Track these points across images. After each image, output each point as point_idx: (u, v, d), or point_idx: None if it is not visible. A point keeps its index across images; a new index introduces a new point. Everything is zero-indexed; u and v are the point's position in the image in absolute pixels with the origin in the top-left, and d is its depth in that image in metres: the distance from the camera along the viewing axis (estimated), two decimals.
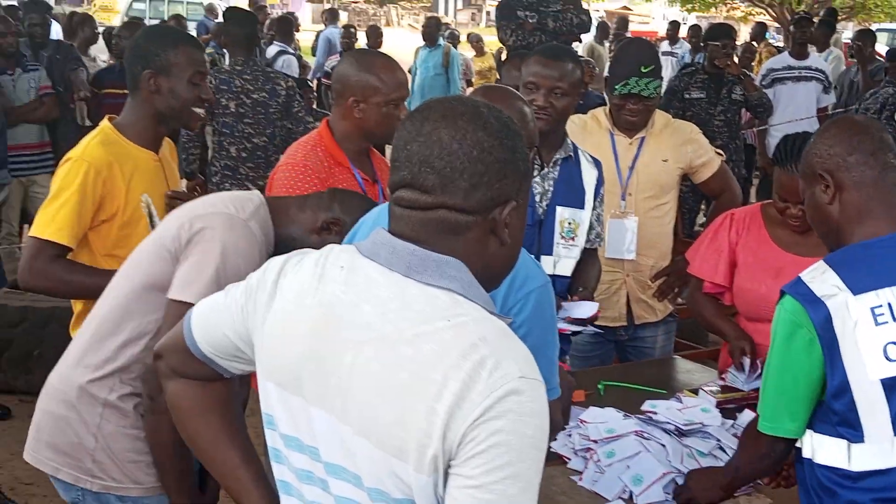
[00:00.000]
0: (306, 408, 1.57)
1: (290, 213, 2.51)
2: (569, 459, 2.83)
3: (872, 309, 2.08)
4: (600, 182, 3.50)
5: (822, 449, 2.18)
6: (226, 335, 1.73)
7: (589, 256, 3.50)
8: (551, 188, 3.40)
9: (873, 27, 21.43)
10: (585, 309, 3.21)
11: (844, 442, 2.13)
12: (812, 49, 9.69)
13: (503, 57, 8.84)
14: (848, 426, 2.11)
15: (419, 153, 1.54)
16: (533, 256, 2.27)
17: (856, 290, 2.09)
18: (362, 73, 3.16)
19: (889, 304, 2.08)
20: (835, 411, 2.12)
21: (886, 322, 2.07)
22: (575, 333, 3.23)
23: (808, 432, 2.22)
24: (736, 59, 7.81)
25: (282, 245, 2.42)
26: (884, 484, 2.10)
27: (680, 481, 2.67)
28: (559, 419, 2.34)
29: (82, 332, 2.56)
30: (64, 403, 2.49)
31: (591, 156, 3.51)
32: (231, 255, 2.32)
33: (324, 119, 3.35)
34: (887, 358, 2.06)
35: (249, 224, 2.39)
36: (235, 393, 1.91)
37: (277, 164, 3.30)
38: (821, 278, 2.14)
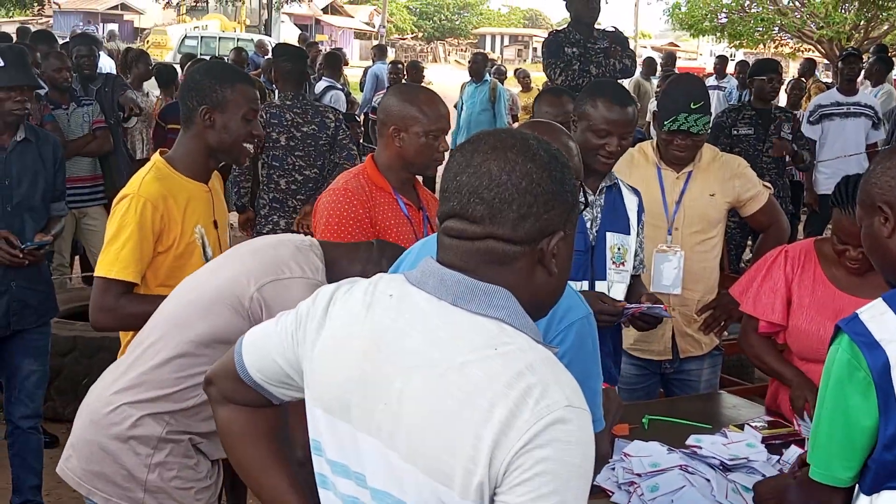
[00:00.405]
0: (354, 433, 1.59)
1: (341, 266, 2.57)
2: (612, 493, 2.81)
3: None
4: (641, 209, 3.53)
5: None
6: (276, 361, 1.76)
7: (636, 282, 3.52)
8: (599, 215, 3.42)
9: None
10: (656, 309, 3.27)
11: (888, 493, 2.05)
12: (864, 85, 9.64)
13: None
14: (893, 477, 2.03)
15: (469, 184, 1.56)
16: (578, 287, 2.27)
17: None
18: (404, 103, 3.25)
19: None
20: (884, 463, 2.03)
21: None
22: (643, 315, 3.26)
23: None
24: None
25: None
26: None
27: None
28: (607, 450, 2.33)
29: (133, 362, 2.60)
30: (114, 436, 2.54)
31: (628, 185, 3.53)
32: None
33: (369, 154, 3.43)
34: None
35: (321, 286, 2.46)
36: (285, 420, 1.94)
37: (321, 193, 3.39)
38: (880, 319, 2.04)
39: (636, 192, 3.54)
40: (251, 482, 1.91)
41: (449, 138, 3.37)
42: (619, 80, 6.58)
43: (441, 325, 1.53)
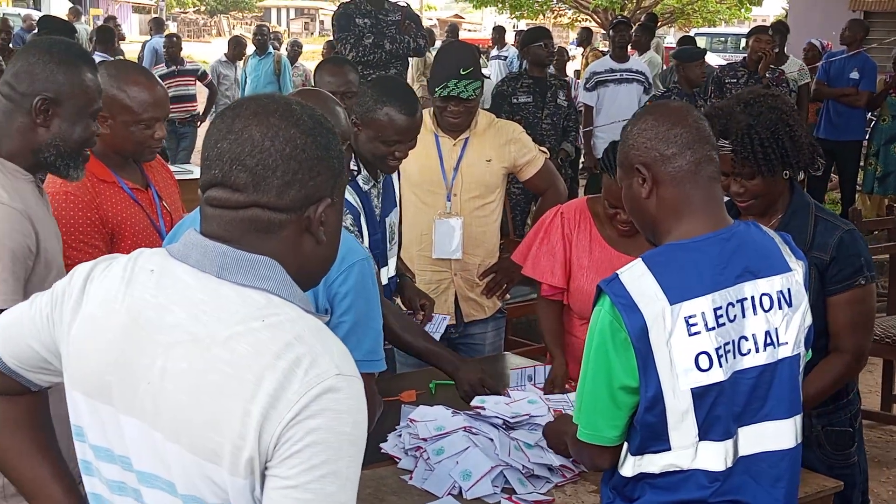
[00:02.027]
0: (116, 416, 1.52)
1: None
2: (399, 459, 2.83)
3: (686, 318, 2.05)
4: (399, 174, 3.56)
5: (627, 463, 2.18)
6: (31, 346, 1.66)
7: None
8: (380, 202, 3.41)
9: (692, 32, 22.38)
10: (443, 325, 3.51)
11: (650, 455, 2.14)
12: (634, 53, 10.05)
13: None
14: (657, 438, 2.11)
15: (230, 151, 1.51)
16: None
17: (672, 299, 2.05)
18: (111, 87, 2.93)
19: (703, 314, 2.06)
20: (647, 425, 2.09)
21: (699, 332, 2.05)
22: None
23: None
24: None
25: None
26: (679, 480, 2.13)
27: (507, 474, 2.71)
28: (374, 391, 2.37)
29: None
30: None
31: None
32: (5, 240, 2.32)
33: None
34: (698, 368, 2.05)
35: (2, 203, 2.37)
36: (45, 406, 1.84)
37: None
38: (639, 281, 2.08)
39: None
40: (10, 474, 1.81)
41: None
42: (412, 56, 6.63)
43: (205, 299, 1.48)
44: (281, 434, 1.38)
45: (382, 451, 2.85)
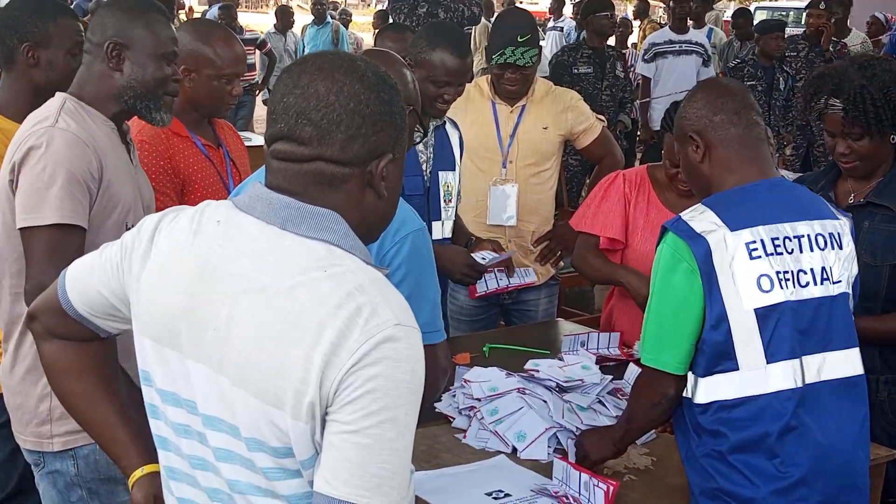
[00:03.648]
0: (183, 361, 1.57)
1: None
2: (453, 419, 2.87)
3: (748, 244, 2.21)
4: (462, 143, 3.62)
5: (699, 388, 2.27)
6: (101, 293, 1.72)
7: (458, 219, 3.65)
8: (432, 155, 3.46)
9: (752, 6, 22.02)
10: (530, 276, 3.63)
11: (720, 376, 2.24)
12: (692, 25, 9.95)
13: None
14: (725, 357, 2.22)
15: (296, 105, 1.54)
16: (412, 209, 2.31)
17: (733, 226, 2.22)
18: (197, 42, 3.08)
19: (762, 241, 2.22)
20: (713, 344, 2.22)
21: (760, 256, 2.21)
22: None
23: (689, 375, 2.30)
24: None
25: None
26: (754, 411, 2.22)
27: (561, 436, 2.74)
28: (446, 364, 2.38)
29: None
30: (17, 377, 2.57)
31: (450, 119, 3.58)
32: (64, 162, 2.41)
33: None
34: (760, 289, 2.21)
35: (66, 130, 2.46)
36: (113, 353, 1.90)
37: None
38: (700, 217, 2.26)
39: (456, 125, 3.61)
40: (79, 417, 1.87)
41: None
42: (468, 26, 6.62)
43: (269, 250, 1.52)
44: (342, 380, 1.42)
45: (437, 410, 2.89)
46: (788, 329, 2.22)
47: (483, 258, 3.41)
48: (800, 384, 2.23)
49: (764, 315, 2.21)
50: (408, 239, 2.23)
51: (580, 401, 2.89)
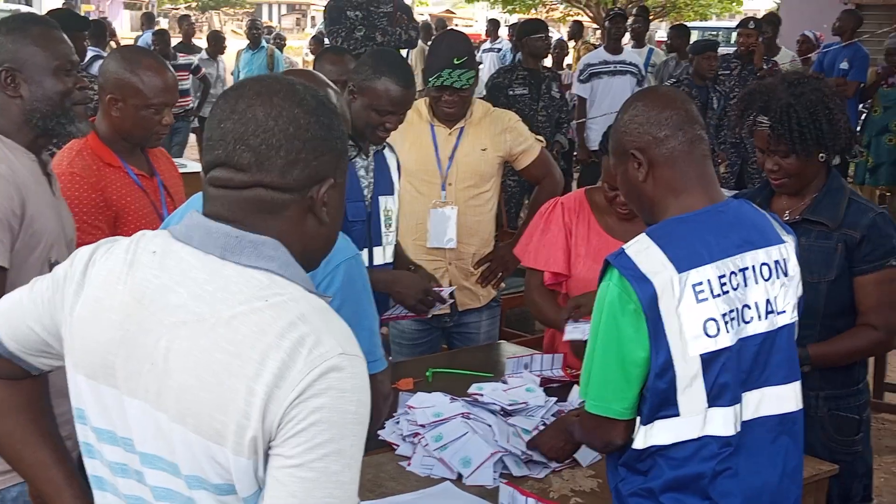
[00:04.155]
0: (120, 397, 1.52)
1: None
2: (397, 446, 2.83)
3: (694, 286, 2.10)
4: (399, 166, 3.63)
5: (638, 434, 2.19)
6: (32, 329, 1.66)
7: (397, 243, 3.64)
8: (373, 180, 3.44)
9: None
10: (447, 290, 3.54)
11: (660, 422, 2.15)
12: (629, 45, 10.07)
13: None
14: (667, 404, 2.13)
15: (234, 131, 1.51)
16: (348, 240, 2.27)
17: (680, 267, 2.10)
18: (123, 71, 3.01)
19: (709, 281, 2.11)
20: (657, 392, 2.12)
21: (706, 299, 2.11)
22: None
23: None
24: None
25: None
26: (691, 451, 2.15)
27: (507, 461, 2.72)
28: (389, 391, 2.34)
29: None
30: None
31: (386, 142, 3.58)
32: None
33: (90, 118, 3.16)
34: (707, 334, 2.10)
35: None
36: (46, 391, 1.84)
37: None
38: (645, 253, 2.12)
39: (392, 149, 3.62)
40: (10, 457, 1.80)
41: None
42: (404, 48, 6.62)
43: (208, 280, 1.48)
44: (285, 413, 1.38)
45: (380, 437, 2.85)
46: (731, 373, 2.14)
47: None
48: (738, 428, 2.16)
49: (708, 360, 2.11)
50: (341, 268, 2.19)
51: (525, 424, 2.87)
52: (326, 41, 6.66)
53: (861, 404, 3.07)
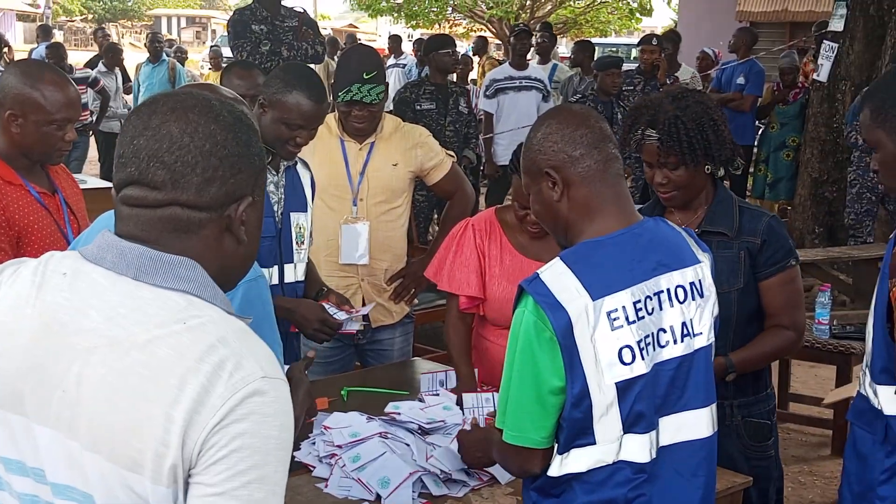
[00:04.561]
0: (29, 426, 1.45)
1: None
2: (314, 467, 2.78)
3: (609, 314, 2.06)
4: (314, 183, 3.59)
5: (553, 463, 2.16)
6: None
7: (310, 264, 3.61)
8: (283, 196, 3.39)
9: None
10: (364, 311, 3.53)
11: (576, 451, 2.13)
12: (534, 59, 10.17)
13: None
14: (583, 433, 2.10)
15: (147, 148, 1.46)
16: (268, 274, 2.22)
17: (594, 294, 2.06)
18: (24, 86, 2.92)
19: (623, 308, 2.08)
20: (573, 421, 2.09)
21: (621, 326, 2.07)
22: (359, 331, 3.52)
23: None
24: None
25: None
26: (604, 476, 2.13)
27: (426, 480, 2.68)
28: (297, 413, 2.28)
29: None
30: None
31: (301, 159, 3.55)
32: None
33: None
34: (622, 362, 2.07)
35: None
36: None
37: None
38: (559, 279, 2.08)
39: (307, 166, 3.58)
40: None
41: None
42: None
43: (123, 302, 1.42)
44: (206, 440, 1.34)
45: (296, 459, 2.79)
46: (647, 400, 2.12)
47: (337, 315, 3.36)
48: (654, 454, 2.15)
49: (624, 388, 2.08)
50: (239, 290, 2.14)
51: (443, 442, 2.84)
52: (224, 54, 6.58)
53: (770, 409, 3.15)
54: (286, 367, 2.95)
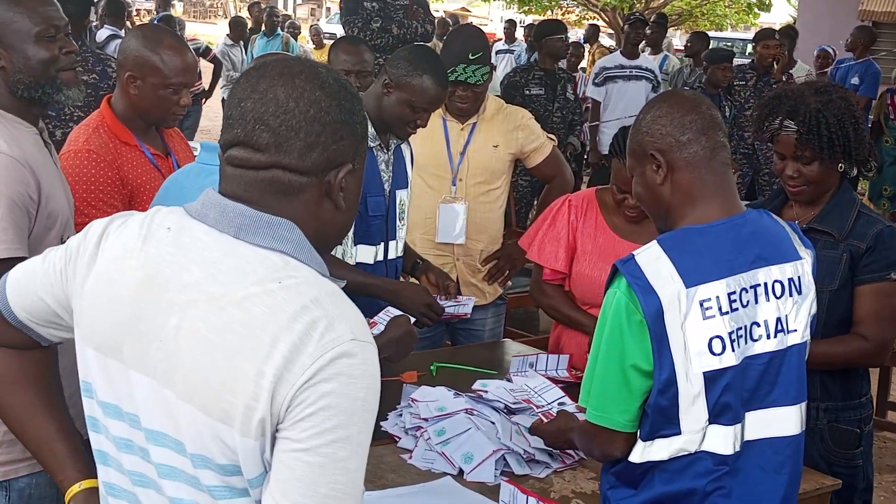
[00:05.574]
0: (126, 372, 1.51)
1: None
2: (399, 438, 2.82)
3: (701, 302, 2.05)
4: (412, 160, 3.60)
5: (636, 449, 2.15)
6: (42, 300, 1.65)
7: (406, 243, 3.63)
8: (392, 174, 3.42)
9: None
10: (468, 307, 3.52)
11: (661, 440, 2.11)
12: (645, 51, 10.05)
13: None
14: (668, 423, 2.09)
15: (254, 110, 1.49)
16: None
17: (688, 282, 2.05)
18: (144, 49, 2.98)
19: (717, 298, 2.06)
20: (659, 409, 2.08)
21: (713, 316, 2.06)
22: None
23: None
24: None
25: None
26: (684, 465, 2.12)
27: (509, 458, 2.70)
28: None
29: None
30: None
31: None
32: (3, 188, 2.27)
33: (105, 96, 3.15)
34: (712, 352, 2.06)
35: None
36: (54, 362, 1.83)
37: (62, 150, 3.04)
38: (655, 264, 2.07)
39: (408, 142, 3.58)
40: (16, 429, 1.79)
41: None
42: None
43: (222, 259, 1.47)
44: (294, 397, 1.37)
45: (382, 429, 2.84)
46: (734, 393, 2.09)
47: (443, 303, 3.40)
48: (738, 448, 2.12)
49: (712, 378, 2.06)
50: None
51: (528, 422, 2.85)
52: (327, 32, 6.63)
53: (863, 418, 3.05)
54: (389, 316, 3.06)
